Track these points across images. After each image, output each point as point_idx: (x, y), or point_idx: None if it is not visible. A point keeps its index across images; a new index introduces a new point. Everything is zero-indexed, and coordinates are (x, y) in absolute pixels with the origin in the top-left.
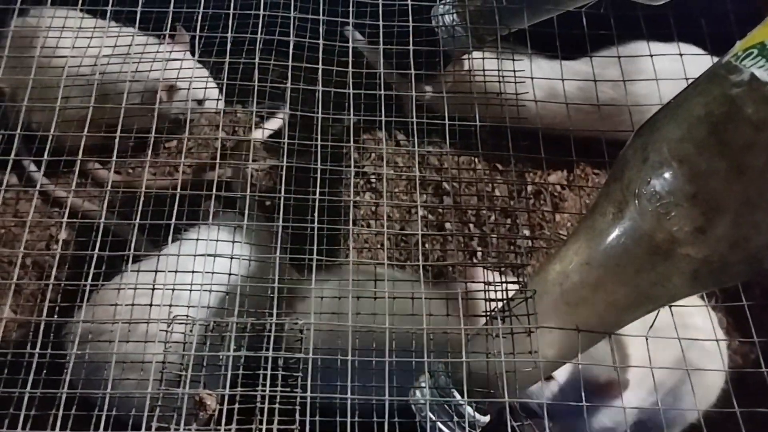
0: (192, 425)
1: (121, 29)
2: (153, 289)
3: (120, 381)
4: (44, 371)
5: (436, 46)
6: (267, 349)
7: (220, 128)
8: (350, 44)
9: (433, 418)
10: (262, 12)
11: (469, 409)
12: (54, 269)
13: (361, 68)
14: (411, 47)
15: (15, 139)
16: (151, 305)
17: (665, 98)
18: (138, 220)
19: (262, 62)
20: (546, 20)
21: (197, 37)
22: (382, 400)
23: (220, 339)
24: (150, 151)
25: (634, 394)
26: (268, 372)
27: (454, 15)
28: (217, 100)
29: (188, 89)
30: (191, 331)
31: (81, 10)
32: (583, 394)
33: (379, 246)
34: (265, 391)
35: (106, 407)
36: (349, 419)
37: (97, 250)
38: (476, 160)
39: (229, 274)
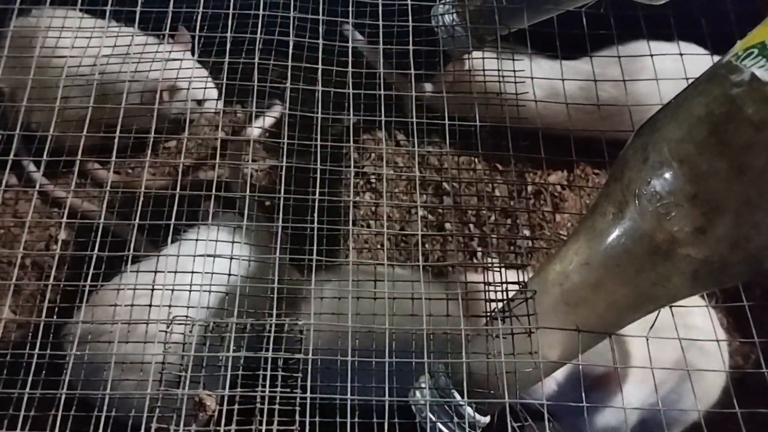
0: (191, 426)
1: (122, 29)
2: (152, 290)
3: (119, 382)
4: (43, 372)
5: (435, 45)
6: (267, 350)
7: (220, 128)
8: (350, 44)
9: (433, 419)
10: (261, 12)
11: (469, 410)
12: (53, 270)
13: (361, 68)
14: (411, 47)
15: (14, 139)
16: (150, 306)
17: (668, 97)
18: (137, 220)
19: (262, 62)
20: (546, 20)
21: (197, 37)
22: (383, 401)
23: (219, 339)
24: (149, 151)
25: (636, 389)
26: (268, 373)
27: (454, 15)
28: (216, 100)
29: (188, 89)
30: (191, 331)
31: (81, 10)
32: (583, 393)
33: (379, 246)
34: (264, 391)
35: (105, 408)
36: (348, 419)
37: (96, 251)
38: (476, 160)
39: (229, 275)
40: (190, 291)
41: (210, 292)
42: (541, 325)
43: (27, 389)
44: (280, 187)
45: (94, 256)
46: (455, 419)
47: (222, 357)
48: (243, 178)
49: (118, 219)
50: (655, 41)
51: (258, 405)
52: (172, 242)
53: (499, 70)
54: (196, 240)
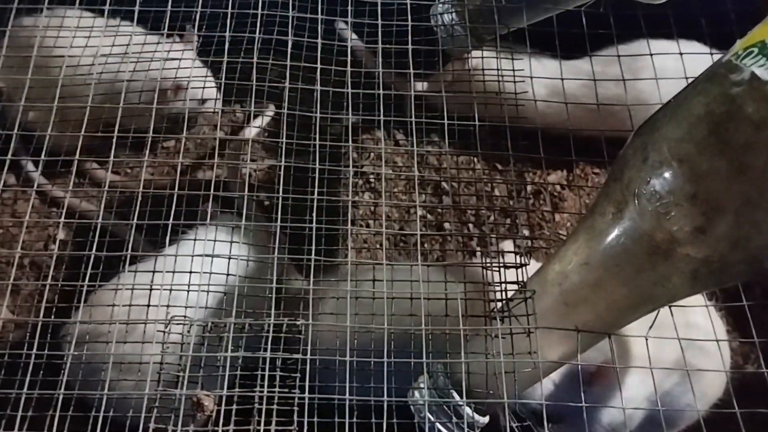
0: (189, 426)
1: (132, 29)
2: (150, 290)
3: (117, 382)
4: (41, 372)
5: (435, 45)
6: (265, 350)
7: (218, 128)
8: (349, 42)
9: (432, 419)
10: (260, 11)
11: (468, 410)
12: (51, 270)
13: (360, 67)
14: (410, 46)
15: (12, 139)
16: (148, 306)
17: (671, 95)
18: (136, 220)
19: (260, 62)
20: (546, 19)
21: (195, 37)
22: (381, 401)
23: (218, 340)
24: (147, 151)
25: (641, 382)
26: (266, 373)
27: (453, 14)
28: (215, 99)
29: (196, 88)
30: (189, 331)
31: (80, 9)
32: (582, 393)
33: (378, 246)
34: (263, 391)
35: (103, 408)
36: (347, 420)
37: (94, 251)
38: (475, 159)
39: (227, 275)
40: (188, 291)
41: (208, 292)
42: (540, 324)
43: (25, 389)
44: (278, 186)
45: (93, 256)
46: (454, 419)
47: (220, 357)
48: (241, 178)
49: (116, 219)
50: (659, 40)
51: (256, 405)
52: (171, 242)
53: (498, 69)
54: (194, 240)
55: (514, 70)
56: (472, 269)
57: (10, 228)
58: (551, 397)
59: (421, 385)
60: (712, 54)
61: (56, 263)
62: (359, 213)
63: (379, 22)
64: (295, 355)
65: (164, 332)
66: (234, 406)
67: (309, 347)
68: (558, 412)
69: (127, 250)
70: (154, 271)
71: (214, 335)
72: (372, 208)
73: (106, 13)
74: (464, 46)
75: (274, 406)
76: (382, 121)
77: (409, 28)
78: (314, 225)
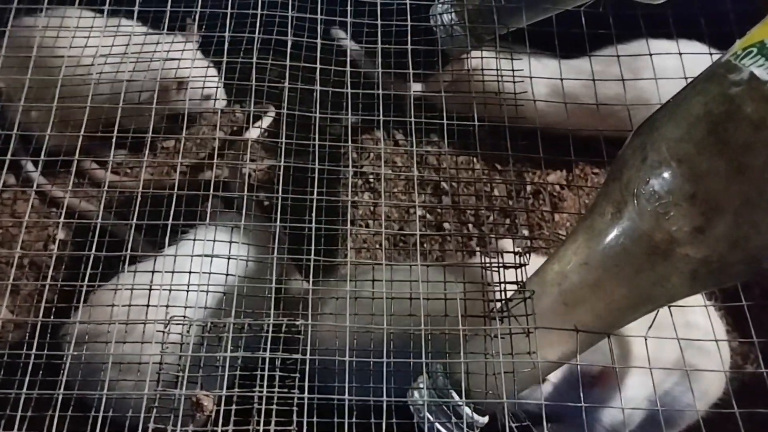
0: (189, 426)
1: (129, 27)
2: (150, 290)
3: (117, 382)
4: (41, 372)
5: (434, 45)
6: (264, 350)
7: (218, 128)
8: (348, 42)
9: (431, 419)
10: (259, 11)
11: (467, 410)
12: (51, 270)
13: (359, 69)
14: (409, 46)
15: (12, 139)
16: (148, 306)
17: (671, 95)
18: (135, 220)
19: (260, 62)
20: (545, 19)
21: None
22: (380, 401)
23: (217, 340)
24: (147, 151)
25: (642, 381)
26: (266, 373)
27: (453, 14)
28: (215, 100)
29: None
30: (188, 332)
31: (79, 9)
32: (581, 393)
33: (377, 246)
34: (262, 392)
35: (102, 408)
36: (346, 420)
37: (94, 251)
38: (475, 159)
39: (226, 275)
40: (187, 291)
41: (207, 292)
42: (540, 325)
43: (24, 389)
44: (278, 187)
45: (92, 256)
46: (453, 419)
47: (219, 357)
48: (242, 178)
49: (116, 219)
50: (659, 39)
51: (255, 405)
52: (171, 243)
53: (497, 70)
54: (194, 240)
55: (513, 70)
56: (472, 269)
57: (10, 228)
58: (551, 397)
59: (421, 385)
60: (711, 54)
61: (56, 263)
62: (359, 213)
63: (379, 22)
64: (295, 355)
65: (164, 332)
66: (233, 407)
67: (309, 347)
68: (557, 413)
69: (126, 250)
70: (153, 271)
71: (213, 335)
72: (371, 208)
73: (105, 12)
74: (464, 46)
75: (274, 406)
76: (381, 121)
77: (409, 28)
78: (314, 225)
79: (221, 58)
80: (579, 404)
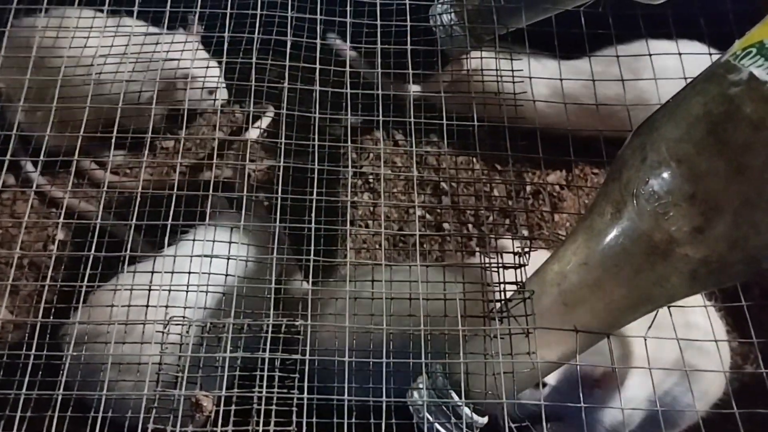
0: (188, 427)
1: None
2: (149, 291)
3: (116, 382)
4: (40, 373)
5: (433, 45)
6: (264, 350)
7: (217, 128)
8: (347, 43)
9: (431, 419)
10: (259, 11)
11: (466, 410)
12: (50, 270)
13: (359, 68)
14: (409, 47)
15: (11, 140)
16: (147, 306)
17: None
18: (134, 220)
19: (259, 62)
20: (545, 19)
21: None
22: (380, 401)
23: (216, 340)
24: (147, 151)
25: (642, 381)
26: (265, 373)
27: (452, 14)
28: (215, 100)
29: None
30: (188, 332)
31: (79, 9)
32: (581, 394)
33: (377, 246)
34: (261, 392)
35: (102, 409)
36: (346, 420)
37: (93, 251)
38: (474, 159)
39: (226, 275)
40: (186, 291)
41: (207, 292)
42: (539, 325)
43: (23, 390)
44: (277, 187)
45: (91, 257)
46: (453, 420)
47: (219, 358)
48: (247, 178)
49: (115, 219)
50: (660, 40)
51: (255, 406)
52: (171, 243)
53: (497, 70)
54: (194, 240)
55: (513, 71)
56: (471, 269)
57: (9, 228)
58: (551, 398)
59: (420, 386)
60: (711, 54)
61: (55, 264)
62: (358, 213)
63: (378, 22)
64: (294, 356)
65: (163, 333)
66: (233, 407)
67: (308, 348)
68: (557, 413)
69: (126, 251)
70: (153, 272)
71: (213, 336)
72: (371, 209)
73: (105, 11)
74: (463, 46)
75: (273, 407)
76: (381, 122)
77: (408, 28)
78: (313, 225)
79: (221, 58)
80: (579, 404)
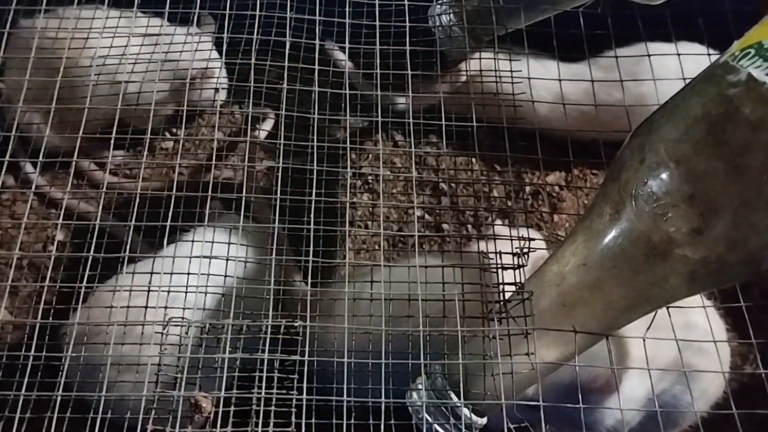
0: (188, 428)
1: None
2: (149, 291)
3: (115, 383)
4: (39, 373)
5: (433, 46)
6: (263, 351)
7: (216, 128)
8: (346, 44)
9: (430, 420)
10: (258, 12)
11: (465, 411)
12: (50, 271)
13: (358, 69)
14: (408, 47)
15: (11, 140)
16: (146, 307)
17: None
18: (134, 221)
19: (258, 63)
20: (544, 20)
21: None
22: (379, 402)
23: (216, 341)
24: (146, 151)
25: (640, 382)
26: (264, 374)
27: (451, 15)
28: (214, 101)
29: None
30: (187, 333)
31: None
32: (580, 394)
33: (376, 247)
34: (261, 393)
35: (101, 410)
36: (345, 421)
37: (92, 252)
38: (474, 160)
39: (225, 276)
40: (185, 292)
41: (206, 293)
42: (538, 326)
43: (23, 391)
44: (276, 188)
45: (91, 257)
46: (452, 420)
47: (218, 358)
48: (256, 180)
49: (114, 220)
50: (660, 42)
51: (254, 407)
52: (170, 244)
53: (496, 70)
54: (193, 241)
55: (512, 71)
56: (471, 270)
57: (9, 229)
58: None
59: (419, 387)
60: (709, 55)
61: (54, 264)
62: (358, 214)
63: (377, 23)
64: (293, 357)
65: (162, 333)
66: (232, 408)
67: (307, 348)
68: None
69: (125, 251)
70: (152, 272)
71: (212, 336)
72: (370, 209)
73: (104, 9)
74: (462, 47)
75: (272, 408)
76: (380, 122)
77: (407, 29)
78: (312, 226)
79: (220, 58)
80: (578, 405)
